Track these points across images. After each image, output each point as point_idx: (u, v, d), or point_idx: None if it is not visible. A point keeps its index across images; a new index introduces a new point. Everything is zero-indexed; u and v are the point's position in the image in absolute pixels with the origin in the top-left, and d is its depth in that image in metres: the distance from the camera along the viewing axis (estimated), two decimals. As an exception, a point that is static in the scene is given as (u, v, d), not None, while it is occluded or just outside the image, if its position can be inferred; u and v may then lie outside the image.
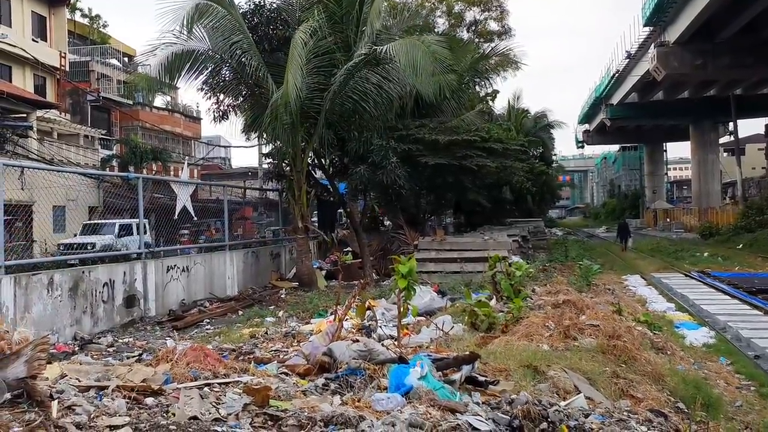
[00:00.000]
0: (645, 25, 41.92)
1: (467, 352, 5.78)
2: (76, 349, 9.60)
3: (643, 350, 7.87)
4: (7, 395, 3.42)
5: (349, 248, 21.12)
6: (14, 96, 26.04)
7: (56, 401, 3.60)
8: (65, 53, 35.60)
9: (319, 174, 22.04)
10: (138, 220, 18.09)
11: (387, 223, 27.12)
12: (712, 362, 9.69)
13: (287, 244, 20.30)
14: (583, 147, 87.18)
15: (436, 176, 20.80)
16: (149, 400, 4.26)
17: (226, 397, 4.40)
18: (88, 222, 17.49)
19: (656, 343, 9.40)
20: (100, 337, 10.50)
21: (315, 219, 24.31)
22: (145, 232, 17.98)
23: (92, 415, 3.66)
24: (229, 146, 52.69)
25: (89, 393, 4.31)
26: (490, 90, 29.76)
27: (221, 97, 19.02)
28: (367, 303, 8.68)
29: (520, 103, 44.38)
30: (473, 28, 37.76)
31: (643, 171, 77.93)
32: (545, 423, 4.40)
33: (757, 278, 19.60)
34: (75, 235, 19.19)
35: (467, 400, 4.59)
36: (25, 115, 27.10)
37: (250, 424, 3.85)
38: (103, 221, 19.81)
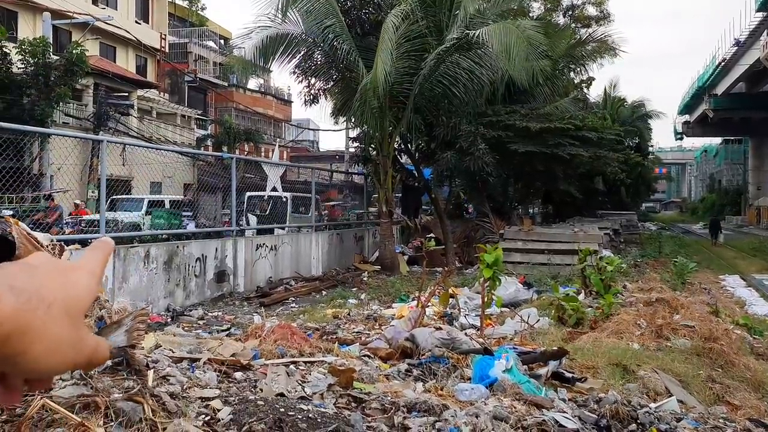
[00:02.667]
0: (758, 10, 39.39)
1: (554, 347, 5.64)
2: (169, 320, 10.03)
3: (741, 355, 7.44)
4: (108, 362, 3.58)
5: (432, 234, 21.05)
6: (118, 75, 27.35)
7: (152, 371, 3.75)
8: (165, 35, 37.00)
9: (405, 159, 22.05)
10: (174, 197, 18.43)
11: (471, 210, 26.87)
12: (818, 372, 9.07)
13: (371, 227, 20.46)
14: (682, 139, 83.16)
15: (526, 164, 20.39)
16: (238, 375, 4.38)
17: (312, 376, 4.47)
18: (116, 197, 15.31)
19: (756, 348, 8.87)
20: (191, 310, 10.92)
21: (399, 204, 24.38)
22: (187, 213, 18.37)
23: (185, 386, 3.80)
24: (318, 129, 53.48)
25: (182, 364, 4.47)
26: (585, 77, 28.87)
27: (312, 80, 19.31)
28: (450, 291, 8.61)
29: (616, 91, 42.85)
30: (570, 12, 36.56)
31: (746, 166, 73.57)
32: (634, 424, 4.23)
33: None
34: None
35: (553, 396, 4.48)
36: (127, 94, 28.43)
37: (334, 404, 3.89)
38: (129, 196, 17.28)
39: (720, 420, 4.79)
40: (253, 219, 18.45)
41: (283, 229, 17.52)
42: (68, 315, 0.63)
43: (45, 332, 0.61)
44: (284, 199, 19.71)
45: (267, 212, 19.63)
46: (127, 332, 3.73)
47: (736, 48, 46.63)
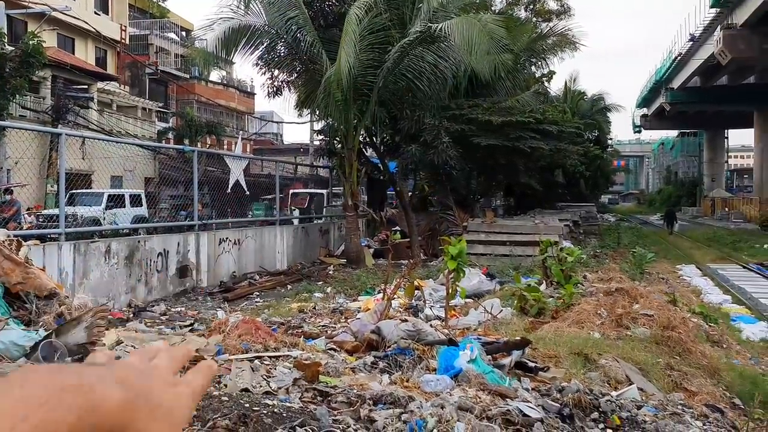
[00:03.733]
0: (711, 7, 40.30)
1: (517, 337, 5.71)
2: (131, 316, 9.87)
3: (698, 343, 7.65)
4: (68, 359, 3.52)
5: (397, 227, 21.12)
6: (76, 67, 26.72)
7: (113, 367, 3.69)
8: (125, 26, 36.29)
9: (370, 152, 22.04)
10: (133, 191, 18.34)
11: (436, 203, 27.01)
12: (771, 358, 9.37)
13: (336, 220, 20.42)
14: (640, 132, 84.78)
15: (488, 157, 20.57)
16: (202, 370, 4.34)
17: (277, 370, 4.46)
18: (75, 191, 14.81)
19: (712, 336, 9.12)
20: (153, 306, 10.78)
21: (365, 197, 24.37)
22: (140, 204, 18.28)
23: (147, 383, 3.75)
24: (282, 122, 53.07)
25: (144, 360, 4.41)
26: (546, 71, 29.18)
27: (275, 72, 19.18)
28: (415, 283, 8.65)
29: (576, 85, 43.39)
30: (531, 6, 36.88)
31: (702, 158, 75.43)
32: (596, 413, 4.32)
33: (821, 273, 18.84)
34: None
35: (517, 386, 4.54)
36: (86, 86, 27.80)
37: (300, 398, 3.88)
38: (88, 191, 16.86)
39: (678, 406, 4.91)
40: (296, 212, 22.04)
41: (320, 218, 21.39)
42: (169, 423, 0.65)
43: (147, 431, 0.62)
44: (321, 195, 24.40)
45: (306, 206, 23.66)
46: (87, 329, 3.67)
47: (691, 43, 47.65)
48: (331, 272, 15.59)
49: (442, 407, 3.64)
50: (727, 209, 56.70)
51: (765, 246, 27.36)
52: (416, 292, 8.79)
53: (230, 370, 4.37)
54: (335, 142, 20.49)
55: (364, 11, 15.11)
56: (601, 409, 4.34)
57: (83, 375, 0.61)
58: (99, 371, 0.63)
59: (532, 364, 5.23)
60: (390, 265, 11.59)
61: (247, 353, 4.98)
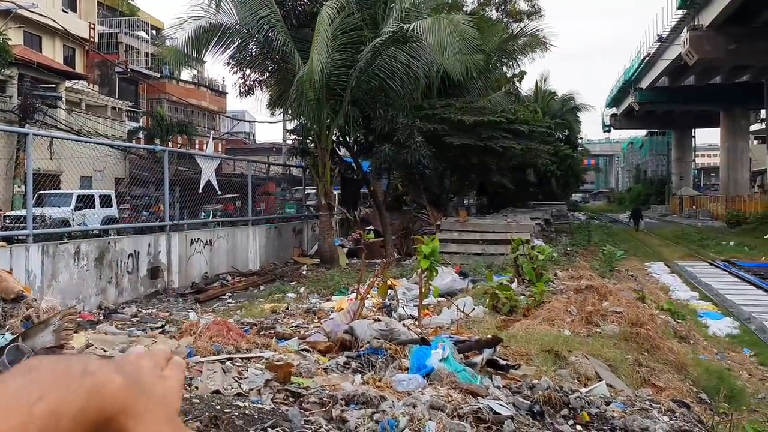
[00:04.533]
0: (678, 8, 41.01)
1: (489, 336, 5.77)
2: (101, 318, 9.76)
3: (666, 339, 7.80)
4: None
5: (371, 227, 21.14)
6: (44, 66, 26.25)
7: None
8: (94, 24, 35.76)
9: (343, 151, 22.02)
10: (103, 191, 18.18)
11: (410, 202, 27.07)
12: (736, 353, 9.58)
13: (310, 220, 20.36)
14: (609, 131, 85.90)
15: (461, 157, 20.68)
16: (173, 373, 4.30)
17: (249, 372, 4.44)
18: (43, 192, 14.58)
19: (679, 332, 9.31)
20: (124, 307, 10.66)
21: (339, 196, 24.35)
22: (110, 205, 18.11)
23: (117, 386, 3.71)
24: (254, 121, 52.75)
25: (114, 363, 4.37)
26: (517, 71, 29.44)
27: (247, 71, 19.07)
28: (389, 282, 8.67)
29: (547, 85, 43.82)
30: (502, 7, 37.17)
31: (670, 157, 76.71)
32: (566, 409, 4.38)
33: (784, 269, 19.27)
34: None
35: (488, 384, 4.58)
36: (54, 85, 27.32)
37: (272, 399, 3.88)
38: (57, 191, 16.62)
39: (646, 402, 5.00)
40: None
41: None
42: (164, 410, 0.68)
43: (145, 417, 0.66)
44: None
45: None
46: (55, 332, 3.62)
47: (659, 44, 48.38)
48: (304, 272, 15.56)
49: (414, 406, 3.66)
50: (694, 207, 57.80)
51: (731, 243, 27.95)
52: (389, 291, 8.82)
53: (201, 372, 4.35)
54: (308, 141, 20.43)
55: (336, 11, 15.10)
56: (570, 406, 4.40)
57: (86, 362, 0.65)
58: (99, 360, 0.67)
59: (504, 362, 5.29)
60: (364, 264, 11.62)
61: (218, 355, 4.95)
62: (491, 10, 35.71)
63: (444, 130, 19.34)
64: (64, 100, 27.85)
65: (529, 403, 4.29)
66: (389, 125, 18.33)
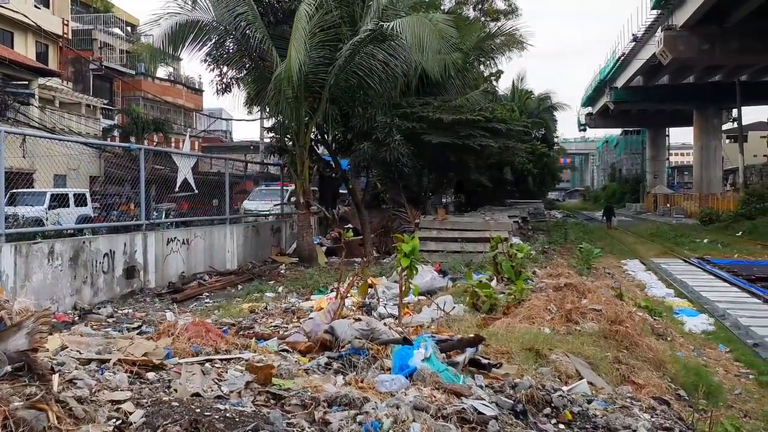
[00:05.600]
0: (653, 8, 41.50)
1: (471, 335, 5.75)
2: (76, 319, 9.59)
3: (644, 336, 7.86)
4: (8, 368, 3.38)
5: (350, 225, 21.06)
6: (16, 62, 25.80)
7: (57, 375, 3.55)
8: (68, 21, 35.21)
9: (321, 149, 21.91)
10: (78, 190, 17.89)
11: (388, 200, 27.04)
12: (712, 349, 9.71)
13: (288, 219, 20.24)
14: (585, 130, 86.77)
15: (439, 155, 20.70)
16: (151, 375, 4.22)
17: (228, 374, 4.37)
18: (16, 191, 14.38)
19: (656, 329, 9.40)
20: (99, 308, 10.48)
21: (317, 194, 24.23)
22: (84, 204, 17.88)
23: (93, 389, 3.63)
24: (231, 119, 52.38)
25: (90, 366, 4.27)
26: (494, 70, 29.56)
27: (224, 69, 18.85)
28: (368, 281, 8.63)
29: (524, 84, 44.07)
30: (480, 6, 37.27)
31: (644, 155, 77.75)
32: (549, 408, 4.38)
33: (757, 266, 19.61)
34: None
35: (470, 383, 4.57)
36: (26, 82, 26.87)
37: (253, 402, 3.81)
38: (30, 190, 16.44)
39: (627, 399, 5.03)
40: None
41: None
42: None
43: None
44: None
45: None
46: (29, 335, 3.52)
47: (634, 43, 48.95)
48: (282, 271, 15.44)
49: (398, 407, 3.63)
50: (668, 205, 58.63)
51: (705, 241, 28.36)
52: (369, 290, 8.78)
53: (180, 374, 4.27)
54: (286, 139, 20.27)
55: (314, 8, 14.99)
56: (553, 405, 4.40)
57: None
58: None
59: (486, 361, 5.27)
60: (343, 263, 11.56)
61: (197, 356, 4.88)
62: (469, 9, 35.80)
63: (422, 129, 19.33)
64: (36, 97, 27.39)
65: (512, 402, 4.28)
66: (368, 123, 18.27)
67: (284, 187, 23.25)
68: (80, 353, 4.62)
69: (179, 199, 19.39)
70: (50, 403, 3.03)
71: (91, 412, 3.20)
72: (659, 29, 41.64)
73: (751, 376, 8.45)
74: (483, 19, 35.29)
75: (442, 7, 29.18)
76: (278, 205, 21.98)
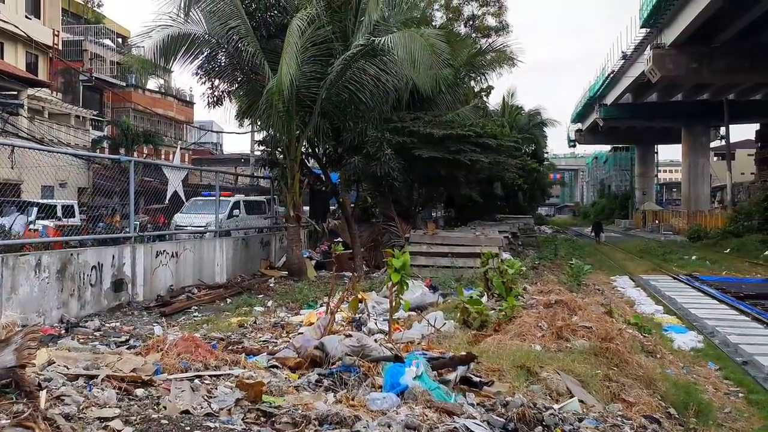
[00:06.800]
0: (642, 27, 41.98)
1: (463, 352, 5.72)
2: (63, 332, 9.47)
3: (634, 353, 7.86)
4: (-5, 384, 3.33)
5: (340, 239, 21.04)
6: (5, 73, 25.68)
7: (44, 391, 3.50)
8: (59, 31, 35.11)
9: (312, 163, 21.90)
10: (66, 201, 17.69)
11: (378, 214, 27.04)
12: (701, 367, 9.72)
13: (278, 232, 20.18)
14: (575, 146, 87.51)
15: (430, 169, 20.74)
16: (139, 391, 4.17)
17: (218, 390, 4.33)
18: (3, 200, 14.20)
19: (646, 347, 9.40)
20: (87, 321, 10.37)
21: (306, 208, 24.17)
22: (72, 216, 17.74)
23: (81, 406, 3.58)
24: (222, 132, 52.33)
25: (78, 382, 4.22)
26: (485, 86, 29.70)
27: (216, 82, 18.82)
28: (359, 296, 8.59)
29: (514, 100, 44.34)
30: (471, 22, 37.61)
31: (633, 172, 78.31)
32: (540, 426, 4.36)
33: (745, 283, 19.73)
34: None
35: (462, 401, 4.54)
36: (15, 92, 26.73)
37: (243, 420, 3.78)
38: (16, 200, 16.09)
39: (617, 418, 5.02)
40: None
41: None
42: None
43: None
44: None
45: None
46: (17, 351, 3.47)
47: (623, 61, 49.47)
48: (272, 285, 15.37)
49: (389, 426, 3.60)
50: (657, 221, 58.97)
51: (693, 257, 28.51)
52: (359, 305, 8.74)
53: (169, 390, 4.22)
54: (277, 152, 20.25)
55: (306, 23, 15.04)
56: (544, 423, 4.38)
57: None
58: None
59: (477, 379, 5.25)
60: (333, 277, 11.51)
61: (186, 372, 4.82)
62: (460, 26, 36.11)
63: (413, 143, 19.38)
64: (26, 107, 27.25)
65: (504, 420, 4.26)
66: (359, 137, 18.29)
67: (228, 199, 21.78)
68: (68, 368, 4.56)
69: (155, 212, 19.18)
70: (37, 421, 2.98)
71: (78, 430, 3.15)
72: (648, 47, 42.10)
73: (740, 395, 8.47)
74: (474, 35, 35.61)
75: (433, 23, 29.39)
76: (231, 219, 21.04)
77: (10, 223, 15.11)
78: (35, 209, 15.89)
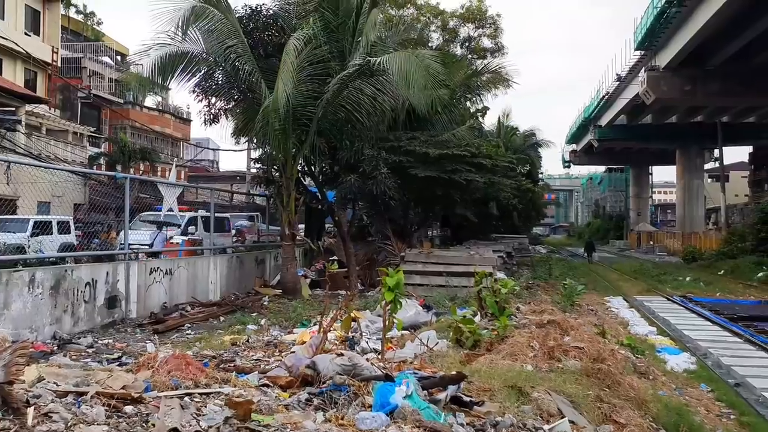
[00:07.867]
0: (636, 49, 42.36)
1: (453, 372, 5.73)
2: (55, 348, 9.44)
3: (626, 374, 7.86)
4: (-17, 400, 3.33)
5: (335, 257, 21.03)
6: (4, 89, 25.75)
7: (32, 408, 3.50)
8: (58, 49, 35.30)
9: (308, 181, 21.96)
10: (62, 217, 17.71)
11: (374, 233, 27.06)
12: (693, 388, 9.72)
13: (272, 250, 20.17)
14: (569, 167, 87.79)
15: (425, 189, 20.82)
16: (129, 408, 4.17)
17: (207, 408, 4.33)
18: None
19: (639, 368, 9.40)
20: (80, 337, 10.33)
21: (302, 226, 24.17)
22: (68, 232, 17.70)
23: (69, 423, 3.58)
24: (218, 149, 52.43)
25: (67, 399, 4.22)
26: (480, 106, 29.91)
27: (213, 100, 18.91)
28: (352, 315, 8.59)
29: (509, 121, 44.62)
30: (467, 44, 37.96)
31: (628, 193, 78.54)
32: (529, 447, 4.37)
33: (738, 305, 19.77)
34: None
35: (452, 421, 4.55)
36: (14, 108, 26.78)
37: (232, 438, 3.78)
38: (13, 216, 16.14)
39: (607, 439, 5.02)
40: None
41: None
42: None
43: None
44: None
45: None
46: (5, 367, 3.48)
47: (618, 83, 49.85)
48: (266, 303, 15.34)
49: (378, 445, 3.60)
50: (651, 243, 59.11)
51: (688, 279, 28.55)
52: (353, 324, 8.73)
53: (159, 407, 4.22)
54: (273, 170, 20.31)
55: (303, 42, 15.18)
56: (534, 444, 4.39)
57: None
58: None
59: (468, 399, 5.25)
60: (327, 296, 11.50)
61: (176, 390, 4.82)
62: (456, 47, 36.42)
63: (409, 162, 19.47)
64: (23, 123, 27.29)
65: (493, 441, 4.26)
66: (355, 156, 18.37)
67: (182, 213, 20.50)
68: (57, 385, 4.55)
69: (109, 227, 18.95)
70: (24, 438, 2.98)
71: (66, 447, 3.15)
72: (642, 70, 42.47)
73: (732, 416, 8.47)
74: (470, 56, 35.90)
75: (430, 44, 29.72)
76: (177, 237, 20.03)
77: (152, 239, 17.83)
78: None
